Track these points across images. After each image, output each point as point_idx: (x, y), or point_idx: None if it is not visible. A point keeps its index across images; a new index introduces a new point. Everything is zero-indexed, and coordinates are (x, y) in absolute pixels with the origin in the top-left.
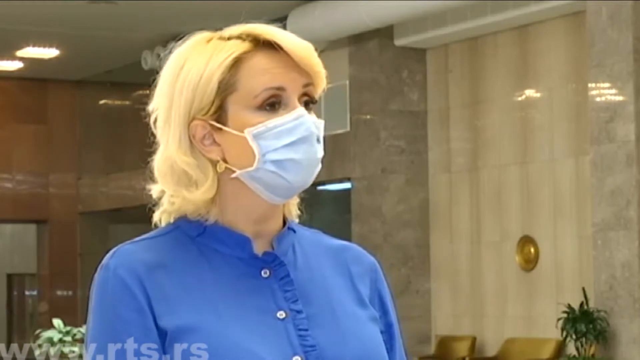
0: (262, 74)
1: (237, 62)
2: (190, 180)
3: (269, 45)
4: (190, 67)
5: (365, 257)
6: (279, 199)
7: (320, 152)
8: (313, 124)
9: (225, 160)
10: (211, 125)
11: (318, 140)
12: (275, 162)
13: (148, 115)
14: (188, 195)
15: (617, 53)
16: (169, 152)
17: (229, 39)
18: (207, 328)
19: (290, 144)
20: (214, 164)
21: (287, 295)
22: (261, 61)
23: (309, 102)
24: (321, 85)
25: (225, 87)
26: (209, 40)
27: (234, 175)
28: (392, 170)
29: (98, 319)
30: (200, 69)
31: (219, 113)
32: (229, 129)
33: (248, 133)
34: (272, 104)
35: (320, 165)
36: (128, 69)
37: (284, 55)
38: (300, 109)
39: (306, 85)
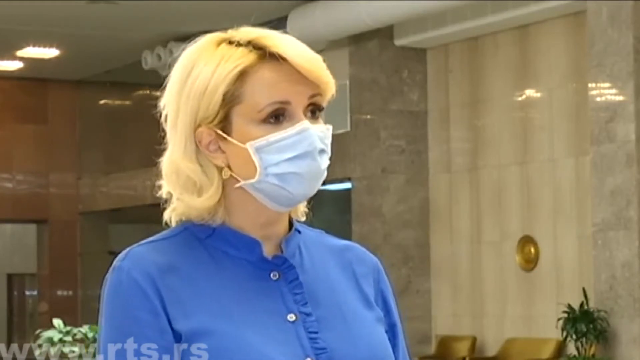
0: (267, 87)
1: (242, 75)
2: (195, 186)
3: (276, 56)
4: (197, 74)
5: (368, 256)
6: (284, 208)
7: (324, 163)
8: (317, 137)
9: (230, 168)
10: (216, 133)
11: (323, 151)
12: (278, 176)
13: (158, 112)
14: (191, 202)
15: (617, 53)
16: (174, 157)
17: (238, 44)
18: (221, 331)
19: (292, 158)
20: (220, 169)
21: (296, 298)
22: (267, 75)
23: (315, 109)
24: (329, 93)
25: (230, 99)
26: (218, 44)
27: (237, 185)
28: (392, 170)
29: (113, 321)
30: (206, 78)
31: (224, 123)
32: (232, 140)
33: (250, 146)
34: (277, 116)
35: (325, 175)
36: (128, 69)
37: (291, 67)
38: (305, 123)
39: (313, 96)
